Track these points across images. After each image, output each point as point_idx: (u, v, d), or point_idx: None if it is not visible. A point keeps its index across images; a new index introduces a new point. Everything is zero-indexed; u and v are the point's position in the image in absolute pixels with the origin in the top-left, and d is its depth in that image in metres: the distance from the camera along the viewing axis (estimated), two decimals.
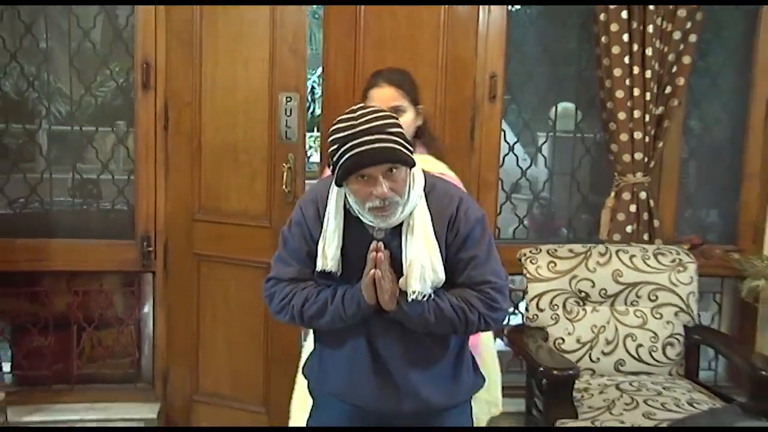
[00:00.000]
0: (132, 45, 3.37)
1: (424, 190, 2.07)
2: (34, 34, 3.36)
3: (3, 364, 3.25)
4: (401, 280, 2.01)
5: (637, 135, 3.36)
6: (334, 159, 1.96)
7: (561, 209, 3.92)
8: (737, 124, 3.80)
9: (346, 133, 1.93)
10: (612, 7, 3.25)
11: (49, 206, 3.52)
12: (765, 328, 3.65)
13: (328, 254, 2.07)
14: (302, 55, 3.21)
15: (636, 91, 3.34)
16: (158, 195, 3.35)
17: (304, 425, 2.36)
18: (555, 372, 2.85)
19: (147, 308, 3.64)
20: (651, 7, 3.27)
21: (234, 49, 3.27)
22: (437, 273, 2.02)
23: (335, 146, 1.96)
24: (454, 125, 3.45)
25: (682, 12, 3.32)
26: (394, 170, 1.94)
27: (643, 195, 3.43)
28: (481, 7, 3.38)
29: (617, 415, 2.83)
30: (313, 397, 2.35)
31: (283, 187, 3.17)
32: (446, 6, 3.34)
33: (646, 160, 3.41)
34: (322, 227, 2.11)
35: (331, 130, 2.02)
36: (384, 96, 2.36)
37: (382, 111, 2.01)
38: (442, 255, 2.04)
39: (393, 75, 2.45)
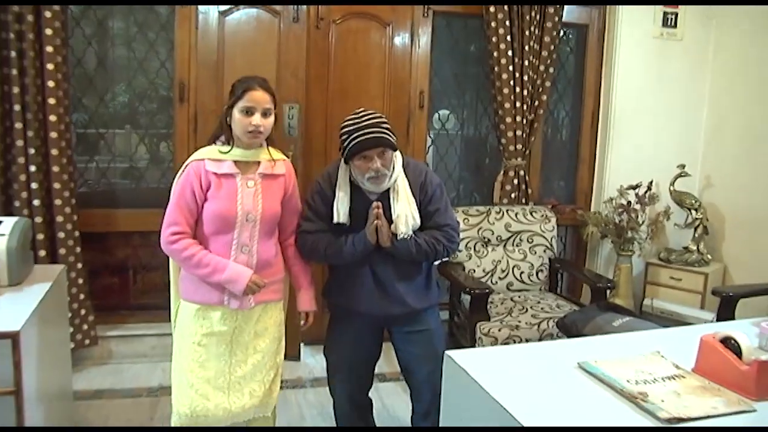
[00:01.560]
0: (172, 70, 4.18)
1: (402, 165, 2.82)
2: (107, 68, 4.16)
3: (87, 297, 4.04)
4: (392, 226, 2.75)
5: (518, 133, 4.49)
6: (344, 144, 2.70)
7: (468, 183, 4.99)
8: (575, 127, 5.04)
9: (353, 127, 2.69)
10: (502, 46, 4.34)
11: (114, 186, 4.33)
12: (591, 257, 4.97)
13: (341, 211, 2.79)
14: (301, 78, 4.12)
15: (517, 104, 4.45)
16: None
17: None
18: (477, 291, 3.71)
19: None
20: (526, 47, 4.38)
21: (248, 72, 4.05)
22: (415, 220, 2.79)
23: (345, 136, 2.70)
24: (395, 126, 4.33)
25: (545, 52, 4.47)
26: (384, 152, 2.69)
27: (521, 173, 4.56)
28: (413, 43, 4.41)
29: (515, 317, 3.77)
30: (331, 311, 3.07)
31: None
32: (389, 44, 4.37)
33: (523, 149, 4.54)
34: (334, 194, 2.82)
35: (342, 124, 2.75)
36: (262, 98, 2.54)
37: (375, 113, 2.75)
38: (417, 209, 2.82)
39: (265, 83, 2.61)
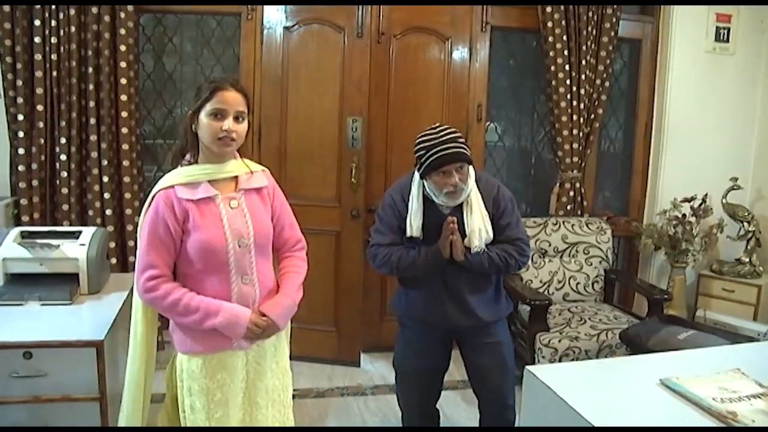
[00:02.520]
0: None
1: (475, 179, 2.81)
2: (175, 78, 4.26)
3: None
4: (465, 240, 2.77)
5: (575, 145, 4.55)
6: (422, 160, 2.70)
7: (521, 194, 4.97)
8: (628, 139, 5.10)
9: (431, 142, 2.69)
10: (559, 60, 4.40)
11: None
12: (644, 268, 5.00)
13: (414, 225, 2.82)
14: (365, 91, 4.17)
15: (574, 117, 4.51)
16: None
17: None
18: (537, 302, 3.78)
19: None
20: (583, 62, 4.45)
21: (311, 87, 4.21)
22: (489, 234, 2.81)
23: (423, 151, 2.70)
24: None
25: (600, 66, 4.52)
26: (462, 167, 2.70)
27: (577, 185, 4.62)
28: (471, 57, 4.47)
29: (574, 328, 3.83)
30: (400, 322, 3.10)
31: (352, 179, 4.21)
32: (448, 58, 4.44)
33: (579, 162, 4.60)
34: (407, 208, 2.83)
35: (418, 140, 2.75)
36: (235, 100, 2.18)
37: (451, 128, 2.75)
38: (490, 222, 2.84)
39: (238, 83, 2.27)
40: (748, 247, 4.79)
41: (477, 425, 3.26)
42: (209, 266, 2.25)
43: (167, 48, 4.26)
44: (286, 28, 4.22)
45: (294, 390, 3.91)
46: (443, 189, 2.72)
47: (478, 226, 2.79)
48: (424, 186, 2.82)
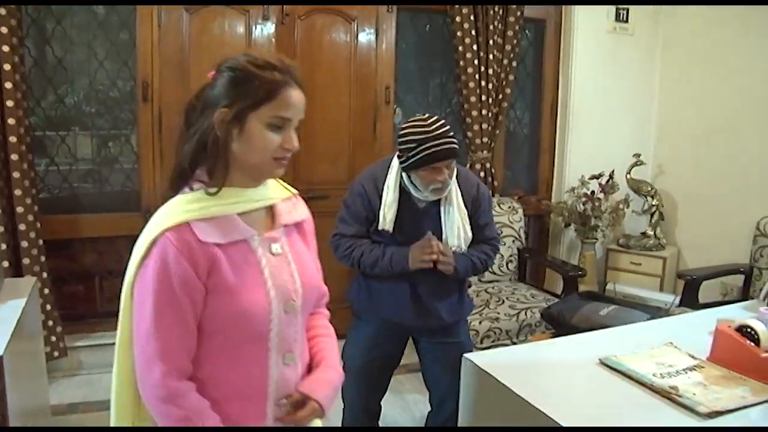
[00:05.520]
0: (134, 69, 4.06)
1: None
2: (65, 66, 3.99)
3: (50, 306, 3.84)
4: (443, 238, 2.65)
5: (484, 126, 4.55)
6: (410, 154, 2.50)
7: None
8: (535, 118, 5.16)
9: (422, 136, 2.48)
10: (467, 41, 4.39)
11: (77, 190, 4.16)
12: (554, 245, 5.11)
13: (387, 217, 2.63)
14: None
15: (483, 97, 4.52)
16: (156, 178, 4.09)
17: None
18: None
19: None
20: (491, 42, 4.44)
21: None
22: (468, 234, 2.69)
23: (413, 144, 2.49)
24: (362, 122, 4.44)
25: (508, 46, 4.54)
26: (452, 163, 2.55)
27: (487, 165, 4.64)
28: (378, 39, 4.40)
29: (493, 309, 3.87)
30: (356, 314, 2.95)
31: None
32: (354, 40, 4.36)
33: (488, 142, 4.61)
34: (380, 198, 2.65)
35: (405, 131, 2.54)
36: (301, 103, 1.53)
37: (440, 119, 2.54)
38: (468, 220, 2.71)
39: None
40: (652, 221, 4.92)
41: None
42: (239, 343, 1.54)
43: (56, 31, 3.98)
44: (186, 10, 4.02)
45: None
46: (430, 185, 2.56)
47: (457, 225, 2.67)
48: (401, 177, 2.65)
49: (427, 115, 2.57)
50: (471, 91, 4.49)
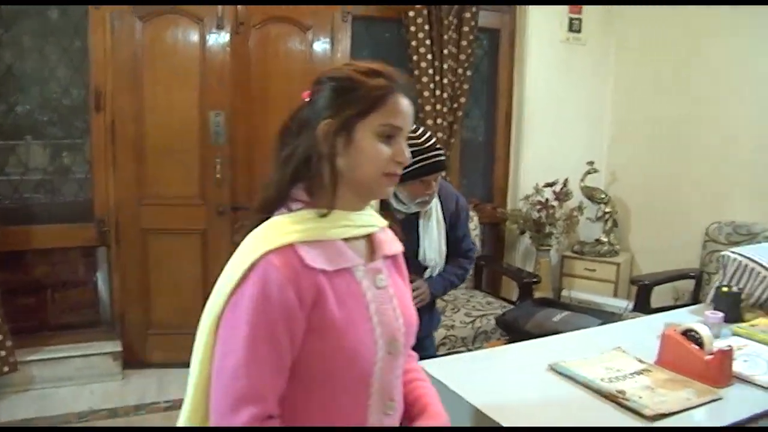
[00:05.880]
0: (87, 77, 4.00)
1: None
2: (15, 73, 3.92)
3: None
4: (420, 253, 2.59)
5: (439, 134, 4.54)
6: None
7: None
8: (490, 127, 5.20)
9: (413, 149, 2.08)
10: (421, 50, 4.39)
11: (29, 201, 4.09)
12: (509, 253, 5.13)
13: None
14: (226, 84, 4.10)
15: (437, 106, 4.52)
16: (109, 188, 4.06)
17: None
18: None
19: (103, 273, 4.23)
20: (445, 51, 4.45)
21: (170, 80, 4.04)
22: (443, 249, 2.66)
23: None
24: None
25: (462, 56, 4.56)
26: (440, 175, 2.52)
27: (443, 174, 4.57)
28: (333, 48, 4.41)
29: (449, 317, 3.89)
30: None
31: (216, 175, 4.12)
32: (309, 49, 4.34)
33: (444, 151, 4.69)
34: None
35: None
36: (410, 112, 1.40)
37: (428, 131, 2.53)
38: (446, 234, 2.67)
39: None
40: (606, 228, 4.98)
41: None
42: (336, 389, 1.34)
43: (5, 38, 3.90)
44: (139, 18, 3.98)
45: (166, 401, 3.83)
46: (417, 198, 2.49)
47: (435, 237, 2.62)
48: None
49: (415, 127, 2.43)
50: (426, 99, 4.51)
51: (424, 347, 2.72)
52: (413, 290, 2.43)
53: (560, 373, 2.08)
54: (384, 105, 1.34)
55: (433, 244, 2.62)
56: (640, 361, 2.17)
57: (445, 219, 2.67)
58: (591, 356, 2.19)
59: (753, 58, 4.18)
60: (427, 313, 2.75)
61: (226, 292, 1.29)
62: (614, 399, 1.89)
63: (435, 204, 2.62)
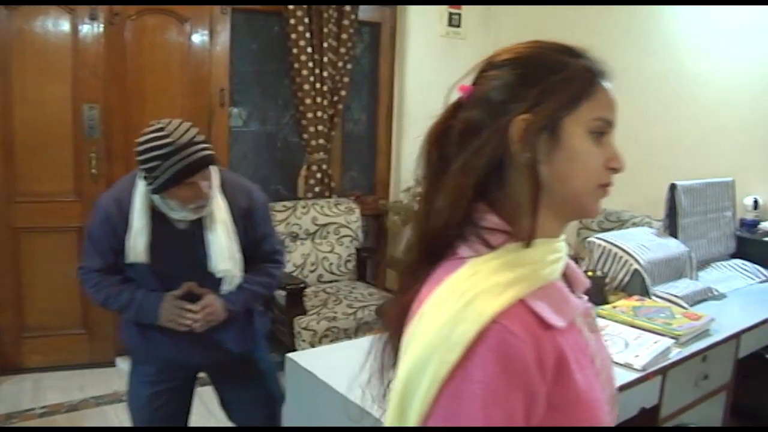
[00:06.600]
0: None
1: (220, 183, 2.27)
2: None
3: None
4: (209, 264, 2.25)
5: (320, 128, 4.57)
6: (155, 173, 2.05)
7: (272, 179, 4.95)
8: (372, 120, 5.25)
9: (165, 150, 2.04)
10: (301, 43, 4.38)
11: None
12: (393, 244, 5.16)
13: (138, 248, 2.19)
14: (100, 76, 3.98)
15: (318, 99, 4.53)
16: None
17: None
18: (291, 286, 3.82)
19: None
20: (325, 44, 4.46)
21: (40, 73, 3.89)
22: (237, 255, 2.30)
23: (157, 162, 2.04)
24: (197, 124, 4.16)
25: (342, 49, 4.60)
26: (208, 170, 2.14)
27: (324, 167, 4.66)
28: (212, 40, 4.31)
29: (331, 309, 3.89)
30: (133, 359, 2.52)
31: (92, 170, 4.01)
32: (187, 41, 4.27)
33: (325, 144, 4.63)
34: (126, 224, 2.19)
35: (143, 147, 2.07)
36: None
37: (182, 123, 2.12)
38: (240, 237, 2.31)
39: None
40: None
41: None
42: None
43: None
44: (4, 6, 3.80)
45: (42, 407, 3.71)
46: (189, 204, 2.16)
47: (225, 246, 2.27)
48: (152, 197, 2.20)
49: (166, 121, 2.12)
50: (306, 93, 4.51)
51: (248, 363, 2.55)
52: (202, 308, 2.25)
53: None
54: (595, 93, 1.01)
55: (222, 252, 2.26)
56: None
57: (235, 220, 2.31)
58: None
59: (619, 52, 4.36)
60: (242, 323, 2.47)
61: (441, 375, 0.88)
62: None
63: (220, 205, 2.27)
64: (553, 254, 1.01)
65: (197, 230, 2.24)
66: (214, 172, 2.20)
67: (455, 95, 1.09)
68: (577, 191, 1.01)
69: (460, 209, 0.99)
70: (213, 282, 2.30)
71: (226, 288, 2.33)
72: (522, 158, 0.97)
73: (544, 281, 0.97)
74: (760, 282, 3.19)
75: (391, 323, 1.08)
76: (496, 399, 0.86)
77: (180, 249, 2.26)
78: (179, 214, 2.18)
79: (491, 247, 0.97)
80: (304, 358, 2.12)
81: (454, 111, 1.08)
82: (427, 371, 0.89)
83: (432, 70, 5.06)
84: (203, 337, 2.32)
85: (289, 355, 2.14)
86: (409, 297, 1.01)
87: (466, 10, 5.13)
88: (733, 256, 3.44)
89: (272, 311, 4.08)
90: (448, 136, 1.06)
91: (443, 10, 5.05)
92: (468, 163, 0.99)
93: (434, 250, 1.01)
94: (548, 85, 0.99)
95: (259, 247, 2.42)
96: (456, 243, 1.00)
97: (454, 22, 5.09)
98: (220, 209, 2.25)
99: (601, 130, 1.01)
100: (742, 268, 3.28)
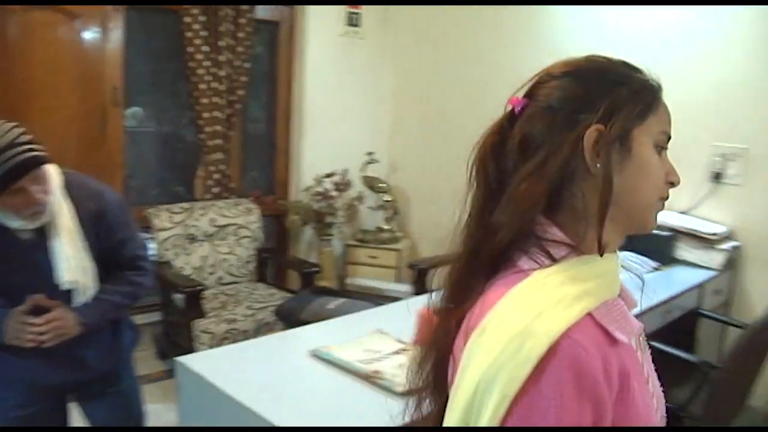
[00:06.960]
0: None
1: (65, 186, 2.09)
2: None
3: None
4: (55, 276, 2.06)
5: (217, 127, 4.50)
6: None
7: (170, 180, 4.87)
8: (271, 120, 5.21)
9: None
10: (197, 42, 4.32)
11: None
12: (294, 244, 5.17)
13: None
14: None
15: (215, 99, 4.46)
16: None
17: None
18: (189, 289, 3.72)
19: None
20: (222, 43, 4.41)
21: None
22: (86, 263, 2.11)
23: None
24: (90, 124, 4.20)
25: (240, 48, 4.54)
26: (37, 172, 1.93)
27: (222, 167, 4.60)
28: (105, 38, 4.19)
29: (230, 310, 3.85)
30: None
31: None
32: (78, 38, 4.12)
33: (222, 143, 4.57)
34: None
35: None
36: None
37: (6, 123, 1.94)
38: (92, 245, 2.12)
39: None
40: (387, 216, 5.16)
41: None
42: None
43: None
44: None
45: None
46: (23, 211, 1.97)
47: (71, 255, 2.08)
48: None
49: None
50: (202, 92, 4.44)
51: (111, 381, 2.37)
52: (47, 321, 2.03)
53: (321, 359, 2.14)
54: (658, 107, 1.02)
55: (68, 261, 2.07)
56: (400, 341, 2.27)
57: (84, 225, 2.12)
58: (352, 339, 2.27)
59: (517, 52, 4.45)
60: (107, 337, 2.30)
61: (511, 391, 0.85)
62: (369, 379, 1.98)
63: (62, 210, 2.07)
64: (614, 269, 1.01)
65: (41, 240, 2.05)
66: (53, 174, 2.03)
67: (506, 108, 1.07)
68: (642, 203, 1.01)
69: (528, 219, 0.97)
70: (65, 294, 2.11)
71: (79, 300, 2.12)
72: (594, 169, 0.96)
73: (609, 295, 0.97)
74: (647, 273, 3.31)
75: (440, 337, 1.06)
76: (569, 415, 0.84)
77: (24, 261, 2.06)
78: (16, 224, 1.99)
79: (554, 260, 0.96)
80: (194, 361, 2.10)
81: (507, 123, 1.06)
82: (495, 388, 0.86)
83: (331, 69, 5.09)
84: (60, 354, 2.11)
85: (179, 358, 2.12)
86: (464, 310, 0.99)
87: (365, 10, 5.16)
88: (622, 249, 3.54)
89: (171, 315, 4.02)
90: (504, 148, 1.04)
91: (342, 9, 5.05)
92: (538, 172, 0.97)
93: (492, 263, 1.00)
94: (618, 97, 0.99)
95: (118, 254, 2.23)
96: (515, 255, 0.98)
97: (353, 21, 5.11)
98: (63, 215, 2.06)
99: (664, 144, 1.02)
100: (630, 260, 3.39)
